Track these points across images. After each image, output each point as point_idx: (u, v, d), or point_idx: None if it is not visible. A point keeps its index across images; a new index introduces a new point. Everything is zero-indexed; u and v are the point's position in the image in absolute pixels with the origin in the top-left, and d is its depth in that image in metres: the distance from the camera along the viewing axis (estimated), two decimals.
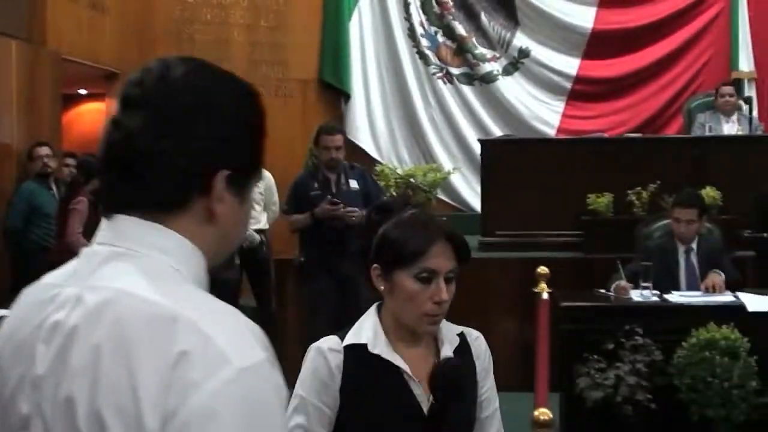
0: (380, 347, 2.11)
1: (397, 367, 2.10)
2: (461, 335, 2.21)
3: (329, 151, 6.54)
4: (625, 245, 6.30)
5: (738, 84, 9.25)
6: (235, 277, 7.15)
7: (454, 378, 2.09)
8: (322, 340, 2.16)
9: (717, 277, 5.52)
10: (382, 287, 2.12)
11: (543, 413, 3.04)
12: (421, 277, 2.05)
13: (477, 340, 2.24)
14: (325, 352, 2.12)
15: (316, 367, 2.12)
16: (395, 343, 2.13)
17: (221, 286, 6.62)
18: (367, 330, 2.15)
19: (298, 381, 2.15)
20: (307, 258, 6.65)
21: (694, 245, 5.73)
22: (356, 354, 2.11)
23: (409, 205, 2.17)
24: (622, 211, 7.40)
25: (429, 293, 2.05)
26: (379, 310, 2.18)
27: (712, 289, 5.45)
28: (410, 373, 2.10)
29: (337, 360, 2.11)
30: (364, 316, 2.20)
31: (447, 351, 2.15)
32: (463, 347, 2.20)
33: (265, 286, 7.90)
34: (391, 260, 2.08)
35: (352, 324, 2.15)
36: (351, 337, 2.14)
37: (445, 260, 2.07)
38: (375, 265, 2.11)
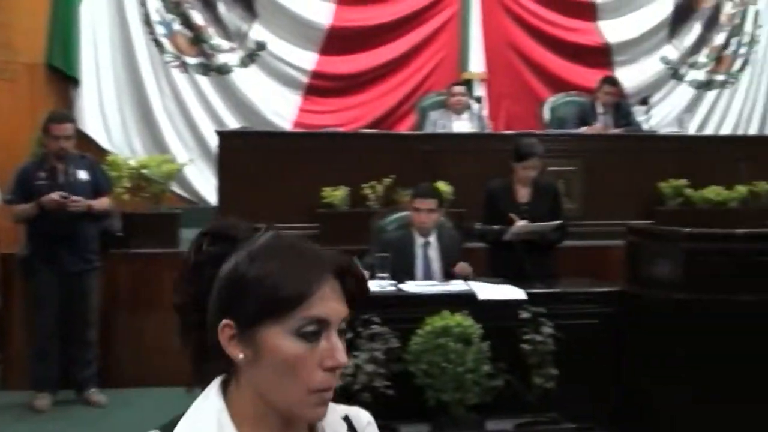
0: None
1: None
2: (347, 420, 1.51)
3: (58, 141, 6.26)
4: (360, 237, 6.38)
5: (469, 84, 9.59)
6: None
7: None
8: None
9: (467, 266, 5.83)
10: (241, 355, 1.34)
11: None
12: (305, 332, 1.32)
13: (369, 426, 1.56)
14: None
15: None
16: None
17: None
18: (206, 423, 1.36)
19: None
20: (31, 250, 6.33)
21: (432, 239, 5.89)
22: None
23: (259, 231, 1.41)
24: (357, 204, 7.50)
25: (318, 356, 1.33)
26: (224, 390, 1.40)
27: (463, 274, 5.75)
28: None
29: None
30: (199, 399, 1.40)
31: None
32: None
33: None
34: (255, 312, 1.32)
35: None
36: None
37: (337, 304, 1.36)
38: (225, 321, 1.34)
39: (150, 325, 6.76)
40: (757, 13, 10.83)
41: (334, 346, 1.33)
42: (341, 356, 1.34)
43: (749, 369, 5.14)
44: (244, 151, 7.76)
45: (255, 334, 1.33)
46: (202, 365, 1.40)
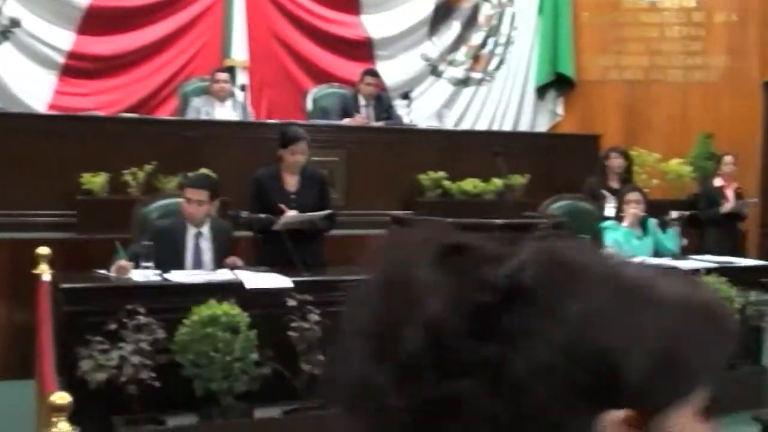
0: None
1: None
2: None
3: None
4: (120, 225, 6.22)
5: (232, 71, 9.51)
6: None
7: None
8: None
9: (237, 260, 5.81)
10: None
11: (61, 397, 2.87)
12: (706, 408, 0.86)
13: None
14: None
15: None
16: None
17: None
18: None
19: None
20: None
21: (204, 229, 5.80)
22: None
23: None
24: (118, 191, 7.31)
25: None
26: None
27: (234, 266, 5.70)
28: None
29: None
30: None
31: None
32: None
33: None
34: (672, 393, 0.82)
35: None
36: None
37: None
38: (628, 413, 0.78)
39: None
40: (513, 15, 11.31)
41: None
42: None
43: None
44: None
45: (660, 423, 0.81)
46: None
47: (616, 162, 8.28)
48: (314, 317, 5.26)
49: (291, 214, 6.04)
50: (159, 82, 9.85)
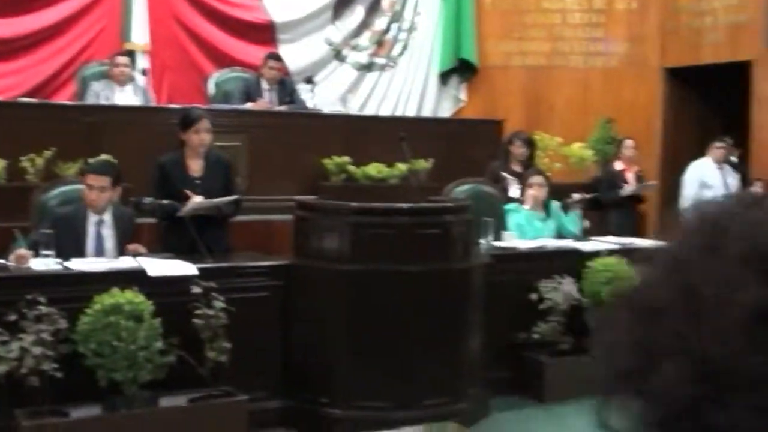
0: None
1: None
2: None
3: None
4: (19, 213, 6.08)
5: (132, 55, 9.35)
6: None
7: None
8: None
9: (140, 247, 5.72)
10: None
11: None
12: None
13: None
14: None
15: None
16: None
17: None
18: None
19: None
20: None
21: (106, 217, 5.69)
22: None
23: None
24: (16, 178, 7.15)
25: None
26: None
27: (136, 253, 5.60)
28: None
29: None
30: None
31: None
32: None
33: None
34: None
35: None
36: None
37: None
38: None
39: None
40: (416, 1, 11.36)
41: None
42: None
43: (410, 334, 5.44)
44: None
45: None
46: None
47: (519, 151, 8.34)
48: (219, 304, 5.22)
49: (196, 200, 5.95)
50: (57, 66, 9.65)
